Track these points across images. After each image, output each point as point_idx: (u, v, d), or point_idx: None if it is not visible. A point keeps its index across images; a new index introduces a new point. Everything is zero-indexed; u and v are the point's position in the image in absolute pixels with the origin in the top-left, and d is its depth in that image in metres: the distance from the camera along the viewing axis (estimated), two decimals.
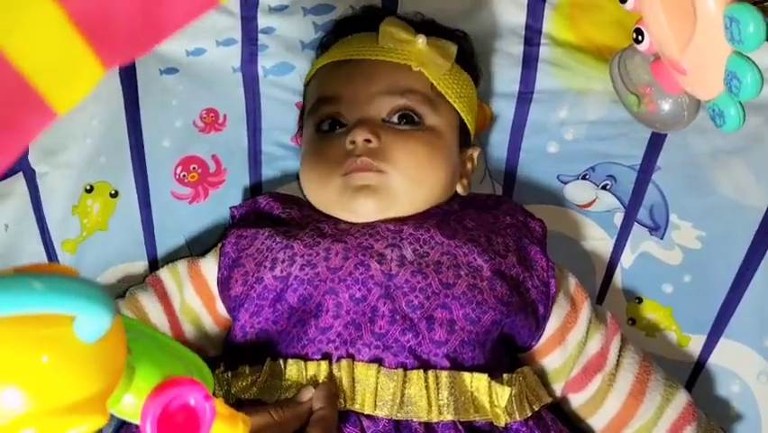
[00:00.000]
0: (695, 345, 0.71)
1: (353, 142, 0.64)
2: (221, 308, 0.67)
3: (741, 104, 0.43)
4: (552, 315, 0.63)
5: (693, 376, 0.70)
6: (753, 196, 0.70)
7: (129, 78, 0.74)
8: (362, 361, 0.57)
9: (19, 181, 0.68)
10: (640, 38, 0.48)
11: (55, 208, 0.72)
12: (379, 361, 0.57)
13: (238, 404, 0.57)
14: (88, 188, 0.73)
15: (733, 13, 0.38)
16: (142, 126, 0.74)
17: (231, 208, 0.71)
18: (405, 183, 0.64)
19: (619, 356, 0.65)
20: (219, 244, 0.68)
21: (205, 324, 0.67)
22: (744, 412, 0.69)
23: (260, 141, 0.76)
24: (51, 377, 0.24)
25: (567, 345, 0.64)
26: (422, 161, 0.65)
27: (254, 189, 0.76)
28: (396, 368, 0.57)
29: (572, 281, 0.66)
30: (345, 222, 0.65)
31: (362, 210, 0.64)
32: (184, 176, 0.75)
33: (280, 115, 0.77)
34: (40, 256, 0.71)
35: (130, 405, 0.31)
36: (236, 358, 0.62)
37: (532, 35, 0.75)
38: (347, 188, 0.64)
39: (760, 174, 0.70)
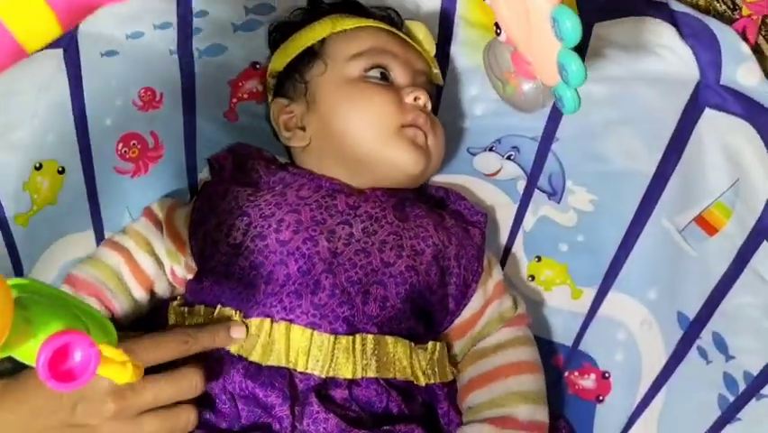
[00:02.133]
0: (587, 297, 0.77)
1: (418, 99, 0.70)
2: (190, 257, 0.72)
3: (576, 90, 0.49)
4: (463, 311, 0.70)
5: (584, 325, 0.77)
6: (641, 162, 0.76)
7: (72, 61, 0.79)
8: (299, 325, 0.64)
9: None
10: (498, 31, 0.54)
11: (7, 185, 0.78)
12: (314, 326, 0.64)
13: None
14: (38, 165, 0.78)
15: (554, 14, 0.44)
16: (86, 106, 0.80)
17: (208, 159, 0.77)
18: (435, 157, 0.72)
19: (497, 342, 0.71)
20: (195, 198, 0.74)
21: (182, 264, 0.73)
22: (627, 357, 0.76)
23: (194, 117, 0.82)
24: None
25: (464, 339, 0.71)
26: (443, 142, 0.73)
27: (190, 163, 0.82)
28: (329, 333, 0.63)
29: (493, 281, 0.73)
30: (308, 189, 0.70)
31: (413, 168, 0.70)
32: (125, 152, 0.81)
33: (213, 94, 0.82)
34: None
35: (31, 352, 0.38)
36: (194, 297, 0.69)
37: (447, 17, 0.81)
38: (404, 139, 0.69)
39: (648, 143, 0.76)
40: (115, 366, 0.40)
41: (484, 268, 0.71)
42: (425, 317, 0.69)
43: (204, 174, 0.82)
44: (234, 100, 0.82)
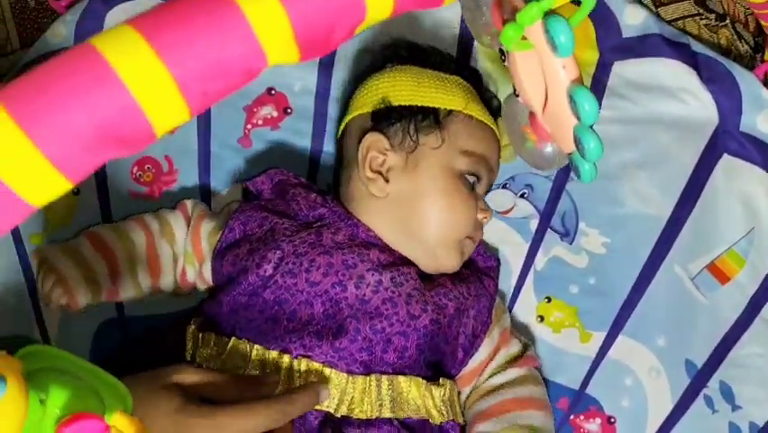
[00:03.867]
0: (596, 341, 0.77)
1: (486, 219, 0.72)
2: (207, 270, 0.73)
3: (593, 163, 0.49)
4: (470, 360, 0.71)
5: (592, 369, 0.77)
6: (655, 207, 0.76)
7: None
8: (317, 362, 0.64)
9: None
10: (517, 93, 0.53)
11: None
12: (331, 365, 0.64)
13: None
14: None
15: (572, 93, 0.44)
16: None
17: (245, 183, 0.77)
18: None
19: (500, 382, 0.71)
20: (227, 215, 0.74)
21: (195, 269, 0.74)
22: (634, 403, 0.76)
23: (209, 142, 0.81)
24: None
25: (471, 385, 0.72)
26: None
27: (203, 188, 0.82)
28: (345, 372, 0.64)
29: (500, 329, 0.73)
30: (344, 235, 0.69)
31: (449, 270, 0.71)
32: (140, 175, 0.81)
33: (229, 119, 0.81)
34: (10, 248, 0.79)
35: (47, 429, 0.39)
36: (209, 320, 0.69)
37: (466, 47, 0.80)
38: (459, 249, 0.70)
39: (663, 187, 0.75)
40: None
41: (492, 319, 0.72)
42: (435, 365, 0.69)
43: (224, 196, 0.81)
44: (249, 126, 0.82)
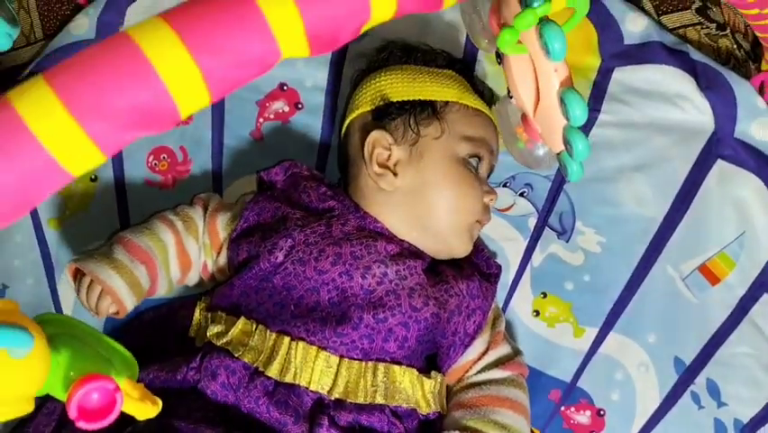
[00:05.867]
0: (588, 336, 0.79)
1: (492, 201, 0.75)
2: (223, 259, 0.76)
3: (580, 162, 0.52)
4: (461, 358, 0.73)
5: (584, 363, 0.79)
6: (650, 208, 0.78)
7: None
8: (317, 346, 0.66)
9: None
10: (511, 95, 0.56)
11: None
12: (331, 350, 0.66)
13: (208, 346, 0.67)
14: None
15: (562, 95, 0.47)
16: None
17: (259, 173, 0.79)
18: None
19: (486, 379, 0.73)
20: (242, 204, 0.76)
21: (213, 260, 0.77)
22: (623, 397, 0.78)
23: (222, 134, 0.85)
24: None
25: (459, 379, 0.74)
26: None
27: (215, 178, 0.85)
28: (345, 357, 0.66)
29: (493, 332, 0.75)
30: (352, 226, 0.71)
31: (460, 255, 0.74)
32: (155, 164, 0.85)
33: (242, 112, 0.85)
34: (29, 231, 0.83)
35: (60, 389, 0.42)
36: (220, 300, 0.72)
37: (471, 51, 0.83)
38: (469, 233, 0.74)
39: (658, 190, 0.78)
40: (136, 403, 0.44)
41: (488, 322, 0.74)
42: (430, 358, 0.72)
43: (238, 185, 0.84)
44: (261, 120, 0.85)
